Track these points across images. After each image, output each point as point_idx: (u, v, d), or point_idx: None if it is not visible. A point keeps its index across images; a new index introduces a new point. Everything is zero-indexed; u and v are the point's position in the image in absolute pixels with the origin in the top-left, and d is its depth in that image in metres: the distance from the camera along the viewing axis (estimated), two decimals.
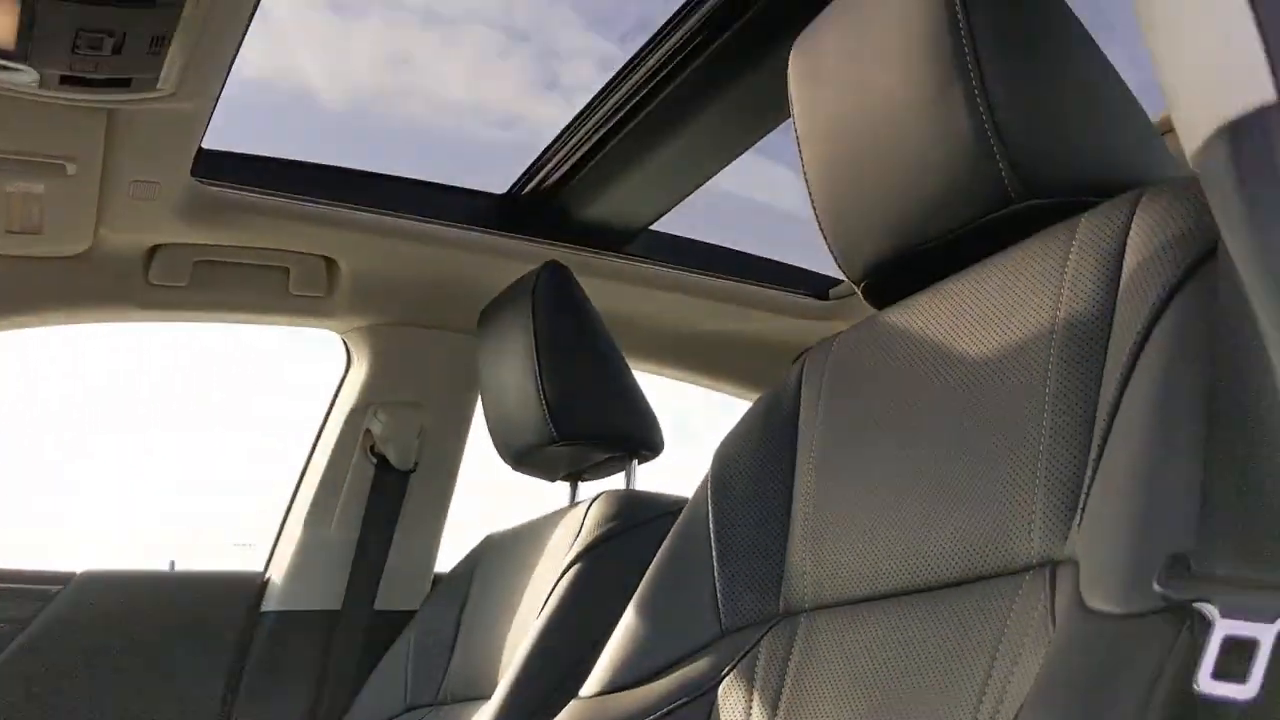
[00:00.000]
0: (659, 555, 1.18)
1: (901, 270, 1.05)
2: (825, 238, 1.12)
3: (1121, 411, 0.74)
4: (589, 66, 2.00)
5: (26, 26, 1.22)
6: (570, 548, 1.71)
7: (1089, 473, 0.76)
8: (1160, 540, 0.62)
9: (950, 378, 0.94)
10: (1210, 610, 0.56)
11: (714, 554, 1.10)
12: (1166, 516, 0.63)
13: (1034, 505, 0.80)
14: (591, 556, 1.67)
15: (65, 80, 1.34)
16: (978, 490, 0.86)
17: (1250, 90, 0.47)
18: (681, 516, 1.18)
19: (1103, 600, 0.64)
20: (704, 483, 1.17)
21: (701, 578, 1.10)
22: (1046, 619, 0.74)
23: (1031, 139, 0.91)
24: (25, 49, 1.26)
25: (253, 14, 1.35)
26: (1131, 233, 0.82)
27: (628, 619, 1.15)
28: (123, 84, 1.36)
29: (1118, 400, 0.75)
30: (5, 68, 1.30)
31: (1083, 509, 0.76)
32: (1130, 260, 0.80)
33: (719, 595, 1.08)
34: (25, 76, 1.32)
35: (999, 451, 0.85)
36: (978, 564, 0.84)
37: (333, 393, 2.32)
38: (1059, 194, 0.92)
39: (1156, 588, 0.59)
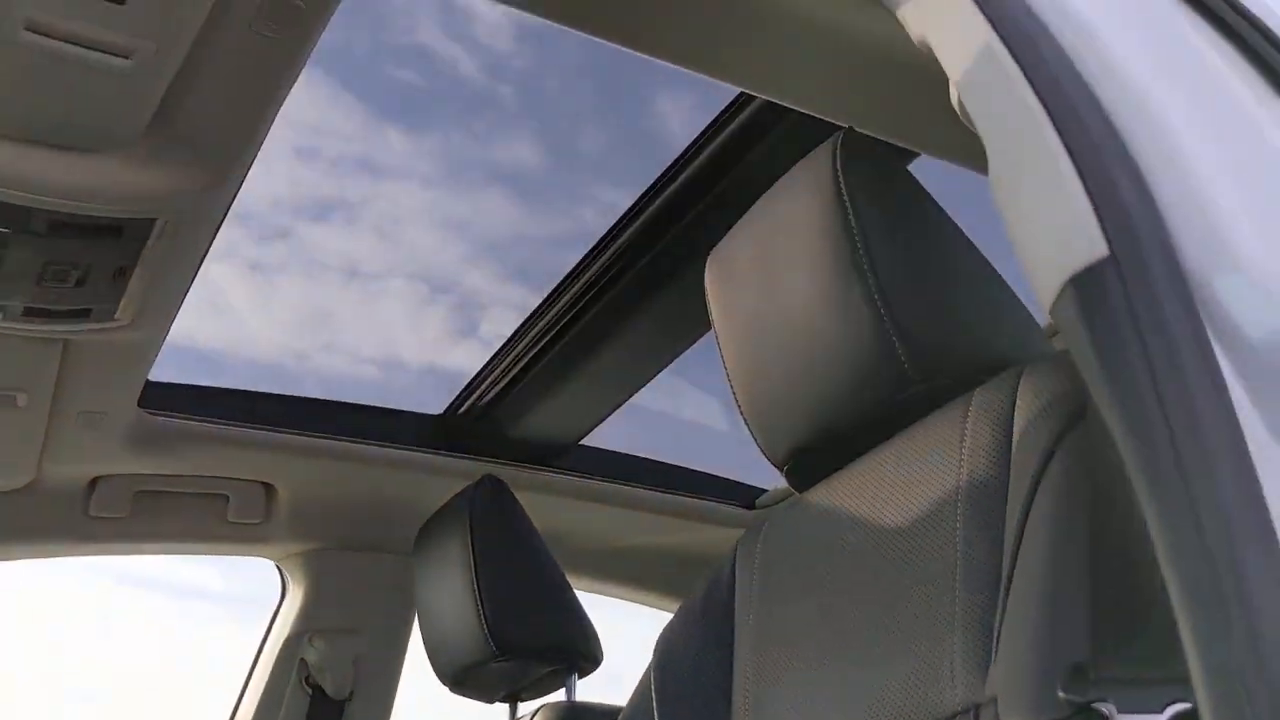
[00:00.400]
0: None
1: (821, 452, 1.14)
2: (750, 429, 1.21)
3: (1022, 554, 0.83)
4: (510, 315, 2.14)
5: None
6: None
7: (999, 614, 0.84)
8: (1062, 654, 0.69)
9: (871, 547, 1.01)
10: (1109, 708, 0.63)
11: None
12: (1066, 634, 0.71)
13: (954, 655, 0.87)
14: None
15: (28, 312, 1.40)
16: (903, 649, 0.92)
17: (1087, 246, 0.58)
18: (626, 707, 1.21)
19: (1018, 716, 0.70)
20: (647, 673, 1.21)
21: None
22: None
23: (924, 328, 1.03)
24: None
25: (208, 249, 1.45)
26: (1018, 399, 0.92)
27: None
28: (83, 314, 1.43)
29: (1018, 545, 0.83)
30: None
31: (996, 647, 0.82)
32: (1019, 422, 0.90)
33: None
34: None
35: (919, 610, 0.92)
36: (910, 718, 0.89)
37: (268, 621, 2.31)
38: (952, 374, 1.03)
39: (1061, 694, 0.66)
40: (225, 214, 1.37)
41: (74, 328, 1.46)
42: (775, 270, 1.14)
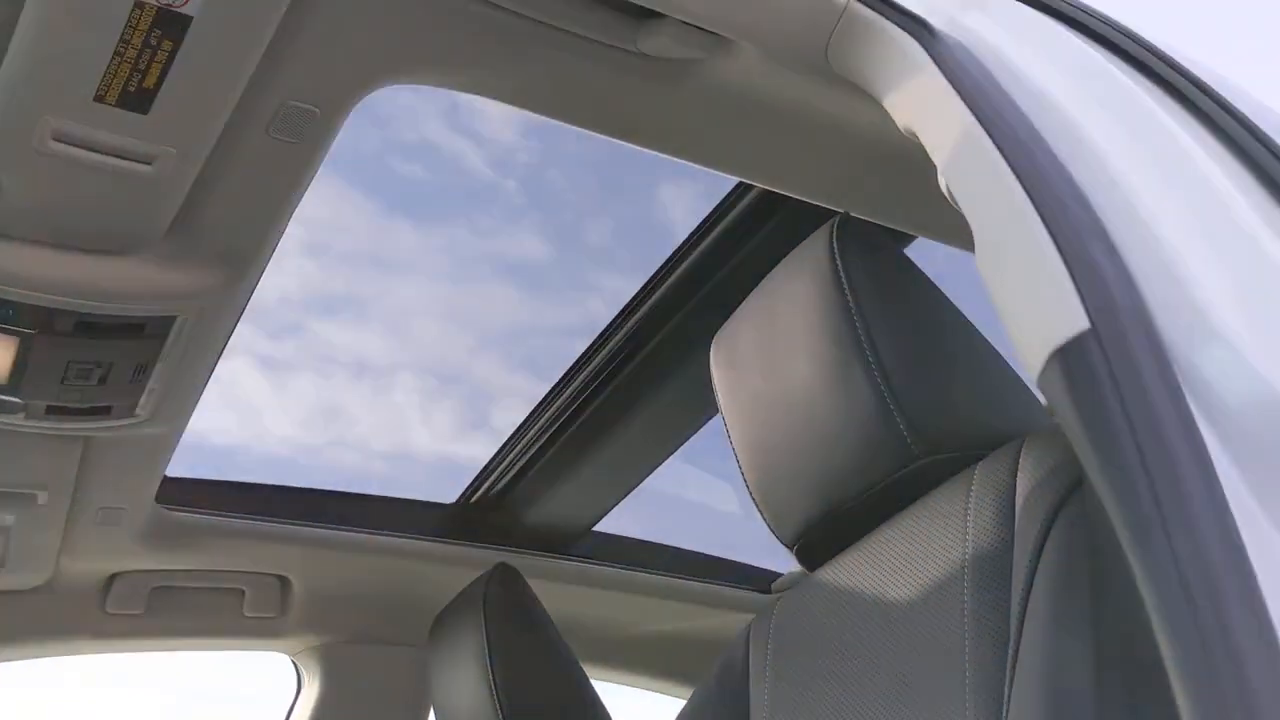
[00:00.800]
0: None
1: (829, 530, 1.16)
2: (759, 509, 1.23)
3: (1026, 628, 0.84)
4: (519, 405, 2.17)
5: (22, 360, 1.33)
6: None
7: (1008, 688, 0.85)
8: None
9: (881, 626, 1.02)
10: None
11: None
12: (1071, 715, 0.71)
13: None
14: None
15: (50, 410, 1.43)
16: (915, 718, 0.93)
17: (1068, 320, 0.61)
18: None
19: None
20: None
21: None
22: None
23: (925, 405, 1.05)
24: (17, 382, 1.37)
25: (224, 345, 1.48)
26: (1019, 471, 0.94)
27: None
28: (104, 412, 1.46)
29: (1023, 614, 0.85)
30: None
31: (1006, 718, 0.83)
32: (1021, 493, 0.92)
33: None
34: (12, 408, 1.42)
35: (931, 687, 0.93)
36: None
37: (284, 717, 2.30)
38: (955, 448, 1.05)
39: None
40: (242, 311, 1.41)
41: (95, 425, 1.49)
42: (778, 352, 1.17)
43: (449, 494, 2.30)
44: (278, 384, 2.45)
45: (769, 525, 1.22)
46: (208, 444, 2.15)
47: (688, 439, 2.10)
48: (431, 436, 2.63)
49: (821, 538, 1.17)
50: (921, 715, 0.92)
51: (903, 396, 1.05)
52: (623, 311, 1.88)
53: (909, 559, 1.02)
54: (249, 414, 2.43)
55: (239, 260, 1.30)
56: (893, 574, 1.04)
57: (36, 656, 2.01)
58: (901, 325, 1.10)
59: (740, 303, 1.27)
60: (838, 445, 1.09)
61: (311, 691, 2.26)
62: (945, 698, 0.90)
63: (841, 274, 1.11)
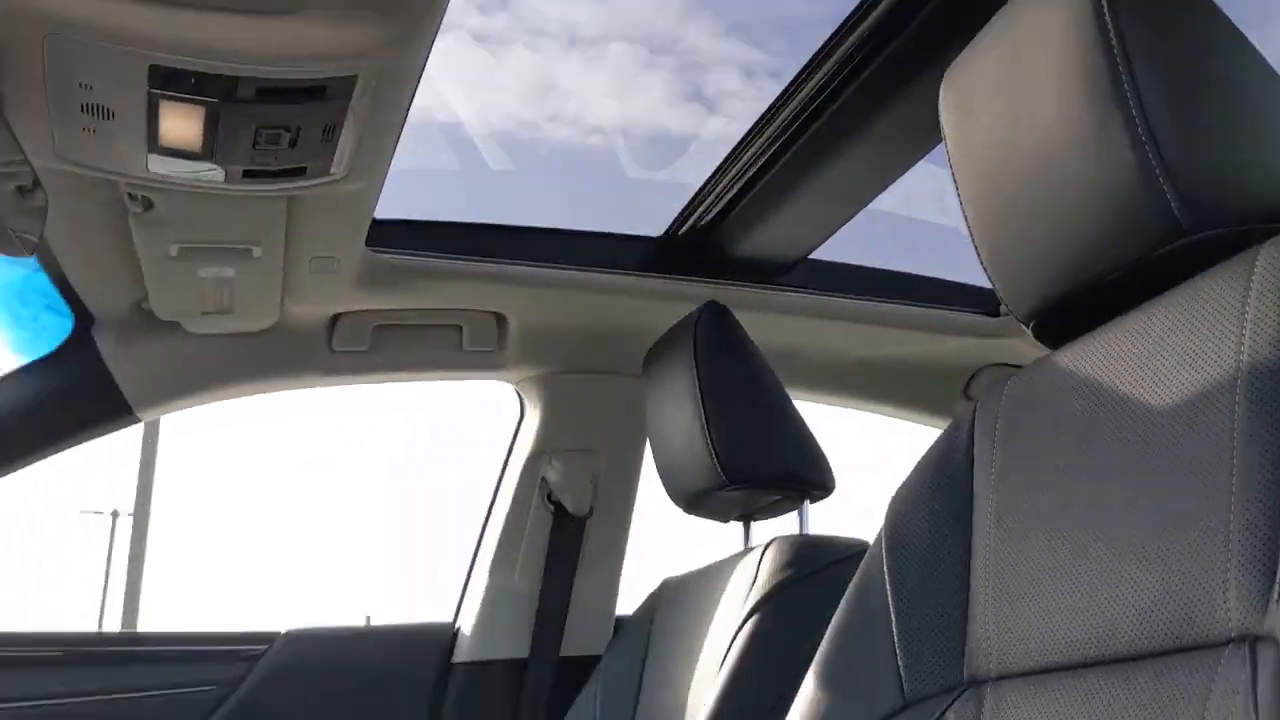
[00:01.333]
0: (836, 618, 1.15)
1: (1072, 308, 1.01)
2: (988, 274, 1.10)
3: None
4: (733, 75, 2.01)
5: (212, 128, 1.32)
6: (747, 597, 1.71)
7: None
8: None
9: (1130, 424, 0.89)
10: None
11: (893, 618, 1.06)
12: None
13: (1228, 571, 0.75)
14: (770, 607, 1.66)
15: (248, 174, 1.44)
16: (1167, 551, 0.81)
17: None
18: (858, 575, 1.15)
19: None
20: (878, 539, 1.14)
21: (881, 644, 1.06)
22: (1249, 703, 0.69)
23: (1200, 167, 0.87)
24: (212, 148, 1.37)
25: (412, 98, 1.41)
26: None
27: (808, 687, 1.13)
28: (299, 173, 1.45)
29: None
30: (195, 168, 1.41)
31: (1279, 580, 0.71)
32: None
33: (900, 664, 1.04)
34: (213, 174, 1.43)
35: (1187, 507, 0.80)
36: (1172, 635, 0.79)
37: (509, 442, 2.39)
38: (1234, 223, 0.87)
39: None
40: (424, 65, 1.33)
41: (293, 185, 1.49)
42: (1019, 97, 0.99)
43: (659, 207, 2.22)
44: (491, 59, 2.37)
45: (1001, 297, 1.09)
46: (430, 119, 2.10)
47: (913, 165, 1.92)
48: (644, 108, 2.54)
49: (1062, 316, 1.03)
50: (1174, 546, 0.80)
51: (1170, 156, 0.87)
52: (840, 28, 1.68)
53: (1166, 358, 0.88)
54: (464, 89, 2.37)
55: (412, 11, 1.21)
56: (1146, 373, 0.90)
57: (272, 390, 2.14)
58: (1176, 67, 0.90)
59: (977, 23, 1.08)
60: (1087, 212, 0.93)
61: (534, 418, 2.34)
62: (1204, 533, 0.78)
63: (1103, 1, 0.91)
